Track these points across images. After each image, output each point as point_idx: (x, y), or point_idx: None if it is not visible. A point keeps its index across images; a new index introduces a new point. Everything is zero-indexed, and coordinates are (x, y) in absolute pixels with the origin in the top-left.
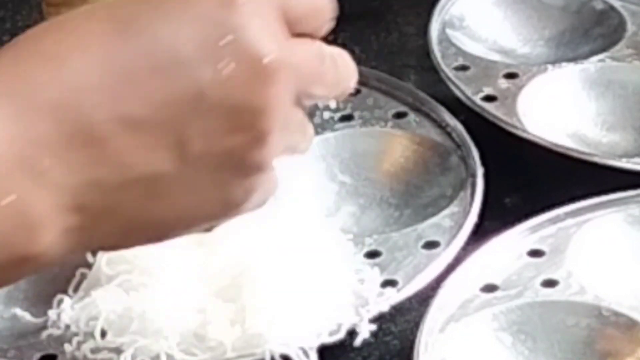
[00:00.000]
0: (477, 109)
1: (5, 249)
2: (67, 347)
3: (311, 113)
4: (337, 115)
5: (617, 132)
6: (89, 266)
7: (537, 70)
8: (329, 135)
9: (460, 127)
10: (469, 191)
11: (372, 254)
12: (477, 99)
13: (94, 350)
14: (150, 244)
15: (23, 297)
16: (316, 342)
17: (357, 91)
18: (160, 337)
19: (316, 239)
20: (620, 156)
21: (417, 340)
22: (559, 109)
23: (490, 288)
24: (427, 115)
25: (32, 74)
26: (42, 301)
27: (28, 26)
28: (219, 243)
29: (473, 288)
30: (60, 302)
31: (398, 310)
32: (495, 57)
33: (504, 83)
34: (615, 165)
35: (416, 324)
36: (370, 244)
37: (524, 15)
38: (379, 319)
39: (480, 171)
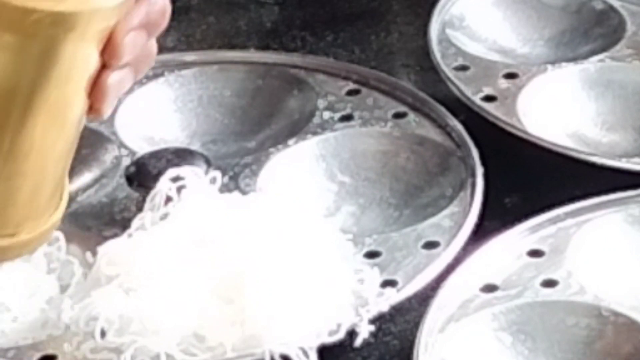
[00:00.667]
0: (477, 109)
1: None
2: (67, 347)
3: (311, 113)
4: (337, 115)
5: (617, 132)
6: (89, 266)
7: (537, 70)
8: (329, 135)
9: (460, 127)
10: (468, 191)
11: (372, 254)
12: (477, 99)
13: (94, 350)
14: None
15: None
16: (316, 342)
17: (357, 91)
18: (160, 337)
19: (316, 239)
20: (620, 156)
21: (417, 340)
22: (559, 109)
23: (490, 288)
24: (427, 115)
25: None
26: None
27: None
28: (219, 243)
29: (473, 288)
30: (60, 302)
31: (398, 310)
32: (495, 57)
33: (504, 83)
34: (615, 166)
35: (416, 324)
36: (370, 244)
37: (524, 15)
38: (378, 319)
39: (480, 171)
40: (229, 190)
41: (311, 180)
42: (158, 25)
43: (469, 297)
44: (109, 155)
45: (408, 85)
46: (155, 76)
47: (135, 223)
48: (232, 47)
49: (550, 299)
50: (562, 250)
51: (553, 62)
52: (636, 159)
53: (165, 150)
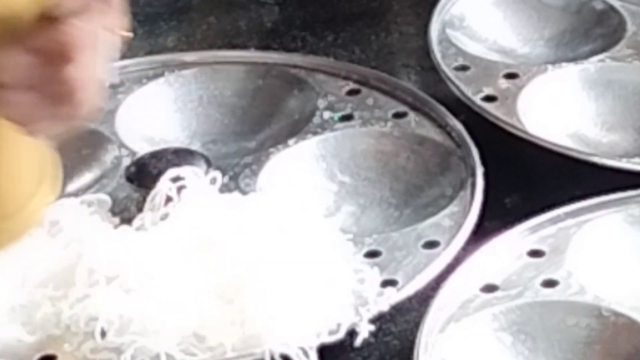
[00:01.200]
0: (477, 109)
1: None
2: (67, 347)
3: (311, 113)
4: (337, 115)
5: (617, 132)
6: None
7: (537, 70)
8: (329, 135)
9: (460, 127)
10: (468, 191)
11: (372, 254)
12: (477, 99)
13: (94, 350)
14: None
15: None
16: (316, 342)
17: (357, 91)
18: (160, 337)
19: (316, 239)
20: (620, 156)
21: (417, 340)
22: (559, 109)
23: (490, 288)
24: (427, 115)
25: None
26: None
27: None
28: (219, 243)
29: (473, 288)
30: (60, 302)
31: (398, 310)
32: (495, 57)
33: (504, 83)
34: (615, 166)
35: (416, 324)
36: (370, 244)
37: (524, 15)
38: (378, 319)
39: (480, 171)
40: (229, 190)
41: (311, 180)
42: (60, 56)
43: (469, 297)
44: (109, 156)
45: (408, 85)
46: (155, 76)
47: (135, 223)
48: (232, 47)
49: (550, 299)
50: (562, 250)
51: (553, 62)
52: (636, 159)
53: (166, 150)
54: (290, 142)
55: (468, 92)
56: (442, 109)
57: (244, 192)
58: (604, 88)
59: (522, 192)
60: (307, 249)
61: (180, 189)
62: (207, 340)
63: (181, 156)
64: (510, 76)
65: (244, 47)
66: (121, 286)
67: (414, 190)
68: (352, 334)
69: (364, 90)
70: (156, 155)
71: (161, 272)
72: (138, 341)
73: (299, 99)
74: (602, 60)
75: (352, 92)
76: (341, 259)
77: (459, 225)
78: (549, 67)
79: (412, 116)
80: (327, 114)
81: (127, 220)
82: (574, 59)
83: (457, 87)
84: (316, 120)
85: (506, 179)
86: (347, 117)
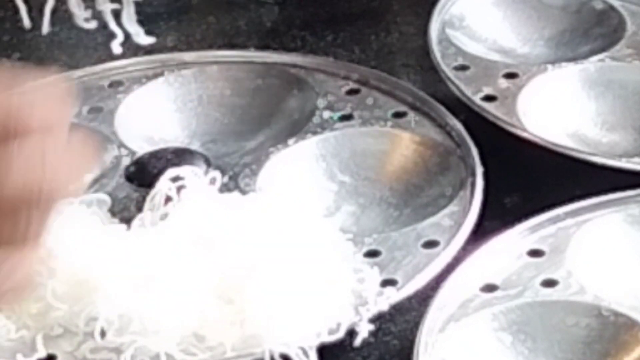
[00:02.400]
0: (477, 109)
1: None
2: (67, 347)
3: (311, 113)
4: (337, 115)
5: (617, 132)
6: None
7: (537, 70)
8: (328, 135)
9: (460, 126)
10: (468, 191)
11: (372, 254)
12: (477, 98)
13: (94, 350)
14: None
15: None
16: (316, 342)
17: (357, 91)
18: (160, 337)
19: (316, 239)
20: (620, 156)
21: (417, 340)
22: (559, 109)
23: (490, 288)
24: (427, 115)
25: None
26: None
27: None
28: (219, 243)
29: (473, 288)
30: (59, 302)
31: (398, 310)
32: (495, 57)
33: (504, 83)
34: (615, 165)
35: (416, 324)
36: (369, 244)
37: (524, 15)
38: (378, 319)
39: (480, 171)
40: (229, 190)
41: (311, 180)
42: None
43: (469, 297)
44: (108, 155)
45: (408, 84)
46: (155, 76)
47: (135, 223)
48: (232, 47)
49: (550, 299)
50: (562, 250)
51: (553, 62)
52: (636, 159)
53: (165, 150)
54: (290, 142)
55: (468, 91)
56: (442, 109)
57: (243, 192)
58: (604, 88)
59: (522, 192)
60: (307, 249)
61: (179, 188)
62: (207, 340)
63: (181, 156)
64: (510, 76)
65: (243, 46)
66: (121, 286)
67: (414, 190)
68: (351, 333)
69: (364, 90)
70: (156, 155)
71: (161, 272)
72: (138, 341)
73: (298, 98)
74: (602, 60)
75: (351, 92)
76: (341, 258)
77: (458, 225)
78: (549, 67)
79: (411, 116)
80: (326, 114)
81: (127, 220)
82: (573, 59)
83: (457, 87)
84: (316, 120)
85: (506, 179)
86: (347, 117)
